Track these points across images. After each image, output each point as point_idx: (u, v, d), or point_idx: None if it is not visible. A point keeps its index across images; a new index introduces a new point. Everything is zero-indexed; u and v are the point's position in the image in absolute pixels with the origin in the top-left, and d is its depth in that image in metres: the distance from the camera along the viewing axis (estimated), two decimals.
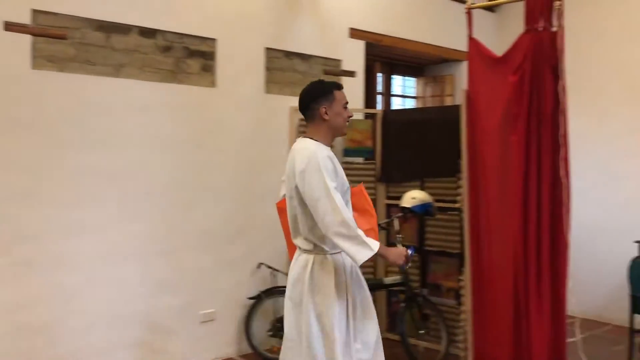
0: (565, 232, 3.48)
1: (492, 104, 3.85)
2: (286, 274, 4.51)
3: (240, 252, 4.54)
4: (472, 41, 4.03)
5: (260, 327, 4.50)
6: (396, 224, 4.43)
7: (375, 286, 4.55)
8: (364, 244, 2.49)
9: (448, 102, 6.27)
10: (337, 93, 2.76)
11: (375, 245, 2.52)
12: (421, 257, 4.79)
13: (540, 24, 3.59)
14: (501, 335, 3.83)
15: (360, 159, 5.09)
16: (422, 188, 4.73)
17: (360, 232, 2.51)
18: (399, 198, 4.63)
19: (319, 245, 2.66)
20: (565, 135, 3.49)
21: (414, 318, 4.38)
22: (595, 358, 4.44)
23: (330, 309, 2.61)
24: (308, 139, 2.71)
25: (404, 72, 6.58)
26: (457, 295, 4.46)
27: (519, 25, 3.74)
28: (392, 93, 6.48)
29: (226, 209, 4.48)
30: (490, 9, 6.35)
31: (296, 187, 2.60)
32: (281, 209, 2.95)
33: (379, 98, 6.18)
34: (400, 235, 4.39)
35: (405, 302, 4.36)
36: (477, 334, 4.04)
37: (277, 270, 4.59)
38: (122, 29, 3.97)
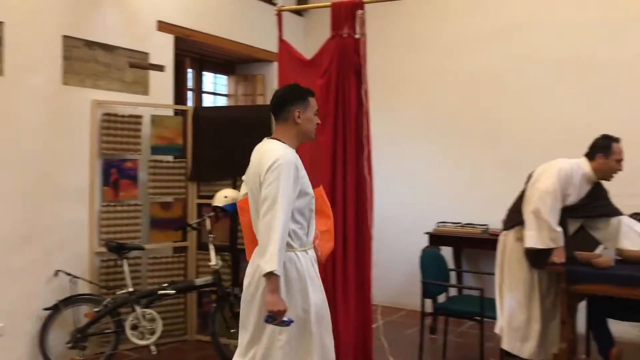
0: (369, 225, 3.71)
1: None
2: (88, 281, 4.18)
3: (32, 259, 4.10)
4: (283, 43, 4.12)
5: (58, 339, 4.12)
6: (208, 223, 4.36)
7: (186, 288, 4.44)
8: (272, 258, 2.46)
9: (260, 101, 6.34)
10: (311, 99, 2.81)
11: (274, 267, 2.45)
12: (233, 256, 4.78)
13: (344, 31, 3.78)
14: None
15: (169, 157, 4.92)
16: (234, 186, 4.72)
17: (275, 250, 2.47)
18: (211, 197, 4.57)
19: (288, 242, 2.62)
20: (368, 136, 3.73)
21: (226, 317, 4.36)
22: (394, 341, 4.84)
23: (300, 313, 2.66)
24: (275, 141, 2.74)
25: (216, 69, 6.52)
26: None
27: (326, 30, 3.91)
28: (203, 90, 6.38)
29: (14, 212, 4.02)
30: (298, 12, 6.55)
31: (260, 184, 2.61)
32: (242, 208, 2.93)
33: (190, 94, 6.04)
34: (212, 235, 4.33)
35: (216, 302, 4.31)
36: None
37: (77, 277, 4.24)
38: None
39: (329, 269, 3.78)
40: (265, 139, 2.81)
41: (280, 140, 2.74)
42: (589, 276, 3.53)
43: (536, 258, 3.71)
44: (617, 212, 3.81)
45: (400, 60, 6.01)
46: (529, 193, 3.76)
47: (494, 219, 4.11)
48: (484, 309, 4.03)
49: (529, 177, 3.86)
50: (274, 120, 2.85)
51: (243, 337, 2.75)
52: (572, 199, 3.75)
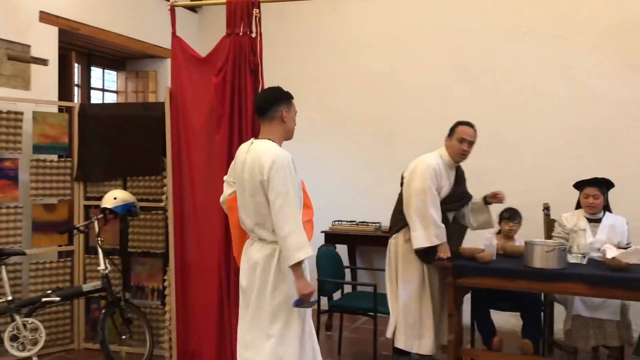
0: None
1: (197, 103, 3.89)
2: None
3: None
4: (176, 39, 4.02)
5: None
6: (96, 225, 4.17)
7: (72, 294, 4.22)
8: (305, 245, 2.73)
9: (152, 98, 6.14)
10: (292, 101, 3.01)
11: (309, 253, 2.73)
12: (124, 260, 4.60)
13: (240, 29, 3.75)
14: (206, 331, 3.92)
15: (54, 157, 4.65)
16: (125, 187, 4.54)
17: (304, 239, 2.74)
18: (99, 199, 4.37)
19: None
20: None
21: (116, 323, 4.19)
22: None
23: (292, 301, 2.80)
24: (267, 141, 2.90)
25: (104, 65, 6.23)
26: (162, 296, 4.40)
27: (221, 28, 3.86)
28: (91, 86, 6.08)
29: None
30: (193, 9, 6.41)
31: (261, 182, 2.77)
32: (231, 207, 3.04)
33: (76, 90, 5.73)
34: (100, 238, 4.14)
35: (106, 308, 4.13)
36: (183, 332, 4.05)
37: None
38: None
39: (223, 271, 3.74)
40: (252, 139, 2.97)
41: (270, 140, 2.90)
42: (473, 270, 3.74)
43: (426, 255, 3.88)
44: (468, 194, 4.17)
45: (299, 60, 6.05)
46: (406, 194, 3.93)
47: (387, 217, 4.26)
48: (377, 304, 4.15)
49: (402, 178, 4.04)
50: (259, 119, 2.97)
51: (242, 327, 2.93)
52: (446, 190, 3.97)
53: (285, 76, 5.99)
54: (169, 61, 4.22)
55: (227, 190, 3.10)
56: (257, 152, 2.84)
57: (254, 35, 3.75)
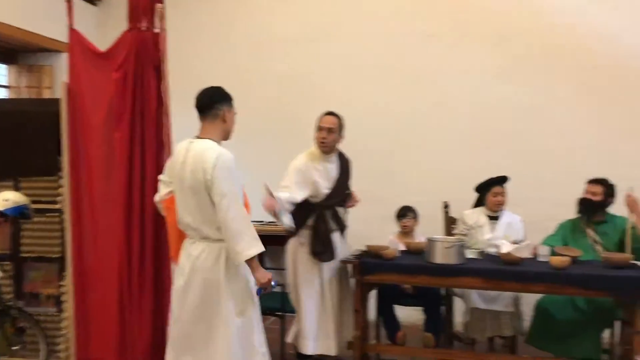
0: None
1: (96, 100, 3.73)
2: None
3: None
4: (73, 33, 3.84)
5: None
6: None
7: None
8: (256, 242, 2.84)
9: (47, 94, 5.81)
10: (232, 101, 3.05)
11: (262, 247, 2.86)
12: (15, 265, 4.31)
13: (143, 24, 3.63)
14: (106, 337, 3.76)
15: None
16: (17, 188, 4.26)
17: (255, 234, 2.85)
18: None
19: None
20: (168, 135, 3.62)
21: (6, 334, 3.92)
22: None
23: (246, 294, 2.94)
24: (208, 140, 2.92)
25: None
26: (59, 302, 4.17)
27: (122, 23, 3.72)
28: None
29: None
30: (92, 1, 6.14)
31: (204, 182, 2.79)
32: (168, 207, 3.02)
33: None
34: None
35: None
36: (81, 339, 3.87)
37: None
38: None
39: (124, 273, 3.60)
40: (192, 138, 2.96)
41: (211, 139, 2.92)
42: (378, 267, 3.83)
43: (323, 255, 3.92)
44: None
45: (208, 58, 5.93)
46: None
47: None
48: (285, 304, 4.16)
49: None
50: (200, 117, 2.99)
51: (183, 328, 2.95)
52: (326, 184, 4.02)
53: (193, 74, 5.86)
54: (65, 55, 4.00)
55: (163, 190, 3.08)
56: (199, 151, 2.86)
57: (157, 30, 3.64)
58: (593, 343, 3.94)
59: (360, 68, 5.62)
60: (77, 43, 3.82)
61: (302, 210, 3.98)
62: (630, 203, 4.00)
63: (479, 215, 4.42)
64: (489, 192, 4.42)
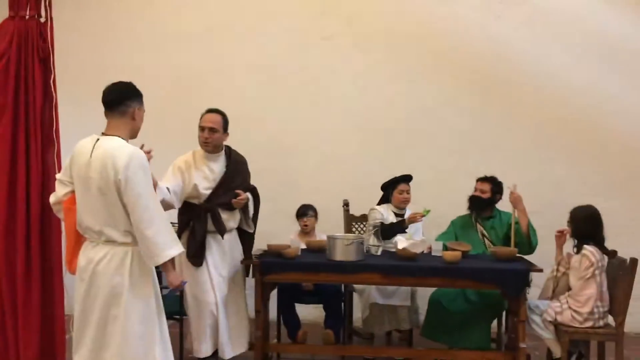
0: (60, 228, 3.37)
1: None
2: None
3: None
4: None
5: None
6: None
7: None
8: (175, 242, 2.78)
9: None
10: (142, 99, 2.92)
11: (182, 248, 2.83)
12: None
13: (27, 12, 3.38)
14: None
15: None
16: None
17: (175, 235, 2.83)
18: None
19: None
20: (57, 131, 3.40)
21: None
22: None
23: (151, 302, 2.81)
24: (116, 137, 2.79)
25: None
26: None
27: (3, 9, 3.44)
28: None
29: None
30: None
31: (115, 182, 2.67)
32: (69, 208, 2.87)
33: None
34: None
35: None
36: None
37: None
38: None
39: (5, 279, 3.32)
40: (98, 135, 2.83)
41: (120, 137, 2.79)
42: (280, 266, 3.82)
43: (195, 257, 3.84)
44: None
45: (99, 52, 5.64)
46: None
47: None
48: (183, 307, 4.05)
49: None
50: (107, 113, 2.87)
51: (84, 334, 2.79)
52: (206, 183, 3.86)
53: (82, 68, 5.60)
54: None
55: (61, 190, 2.90)
56: (108, 150, 2.73)
57: (42, 20, 3.40)
58: (483, 333, 4.16)
59: (257, 66, 5.58)
60: None
61: (185, 212, 3.88)
62: (514, 200, 4.27)
63: (387, 212, 4.53)
64: (395, 189, 4.54)
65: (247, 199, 3.93)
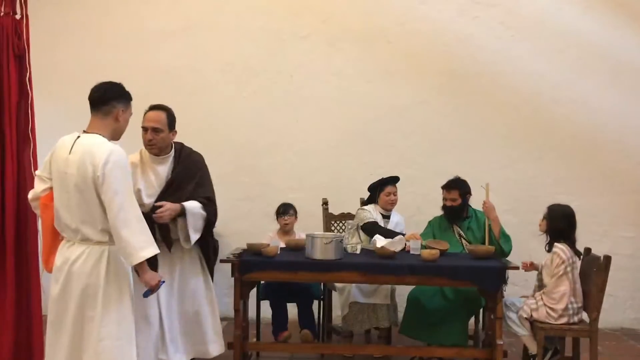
0: (37, 228, 3.34)
1: None
2: None
3: None
4: None
5: None
6: None
7: None
8: (149, 243, 2.72)
9: None
10: (131, 102, 2.90)
11: (157, 249, 2.77)
12: None
13: (1, 9, 3.34)
14: None
15: None
16: None
17: (150, 235, 2.76)
18: None
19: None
20: (33, 129, 3.36)
21: None
22: None
23: (127, 302, 2.78)
24: (97, 135, 2.75)
25: None
26: None
27: None
28: None
29: None
30: None
31: (93, 179, 2.64)
32: (46, 205, 2.82)
33: None
34: None
35: None
36: None
37: None
38: None
39: None
40: (79, 132, 2.79)
41: (101, 135, 2.76)
42: (260, 265, 3.82)
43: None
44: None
45: (78, 49, 5.58)
46: None
47: None
48: None
49: None
50: (92, 110, 2.82)
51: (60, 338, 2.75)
52: (149, 190, 3.47)
53: (58, 66, 5.52)
54: None
55: (39, 187, 2.85)
56: (87, 147, 2.70)
57: (18, 17, 3.36)
58: (460, 330, 4.20)
59: (234, 64, 5.57)
60: None
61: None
62: (486, 210, 4.33)
63: (375, 213, 4.54)
64: (382, 191, 4.55)
65: (173, 212, 3.33)
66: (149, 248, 2.73)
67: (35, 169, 3.35)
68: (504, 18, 5.47)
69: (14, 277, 3.34)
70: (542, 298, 3.85)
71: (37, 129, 3.43)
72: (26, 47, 3.35)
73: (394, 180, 4.57)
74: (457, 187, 4.45)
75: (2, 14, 3.34)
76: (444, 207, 4.50)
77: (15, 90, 3.34)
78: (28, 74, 3.36)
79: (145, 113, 3.52)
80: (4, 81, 3.32)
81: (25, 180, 3.35)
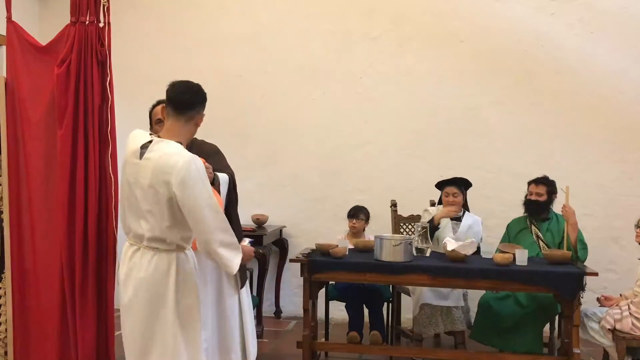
0: (113, 227, 3.50)
1: (37, 96, 3.59)
2: None
3: None
4: (12, 24, 3.67)
5: None
6: None
7: None
8: (238, 250, 2.64)
9: None
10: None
11: (240, 253, 2.66)
12: None
13: (87, 18, 3.52)
14: (47, 340, 3.63)
15: None
16: None
17: (235, 240, 2.64)
18: None
19: (181, 244, 2.63)
20: (112, 132, 3.52)
21: None
22: None
23: (195, 313, 2.67)
24: (175, 143, 2.58)
25: None
26: None
27: (65, 16, 3.60)
28: None
29: None
30: None
31: (169, 187, 2.49)
32: None
33: None
34: None
35: None
36: (21, 345, 3.72)
37: None
38: None
39: (66, 276, 3.48)
40: (156, 136, 2.64)
41: (180, 143, 2.60)
42: (328, 265, 3.85)
43: None
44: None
45: (153, 54, 5.81)
46: None
47: None
48: None
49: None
50: (173, 114, 2.63)
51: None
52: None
53: (138, 70, 5.77)
54: (3, 49, 3.83)
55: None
56: (165, 155, 2.52)
57: (101, 25, 3.54)
58: (534, 337, 4.07)
59: (304, 67, 5.63)
60: (16, 36, 3.66)
61: None
62: (565, 214, 4.17)
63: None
64: (442, 191, 4.48)
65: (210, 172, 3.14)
66: (236, 257, 2.62)
67: (114, 170, 3.51)
68: (582, 14, 5.25)
69: (95, 274, 3.51)
70: (628, 307, 3.67)
71: (116, 131, 3.59)
72: (108, 53, 3.52)
73: (453, 181, 4.45)
74: (546, 183, 4.33)
75: (87, 22, 3.52)
76: (527, 201, 4.36)
77: (98, 94, 3.50)
78: (109, 78, 3.53)
79: (153, 106, 3.54)
80: (88, 86, 3.50)
81: (105, 180, 3.51)
